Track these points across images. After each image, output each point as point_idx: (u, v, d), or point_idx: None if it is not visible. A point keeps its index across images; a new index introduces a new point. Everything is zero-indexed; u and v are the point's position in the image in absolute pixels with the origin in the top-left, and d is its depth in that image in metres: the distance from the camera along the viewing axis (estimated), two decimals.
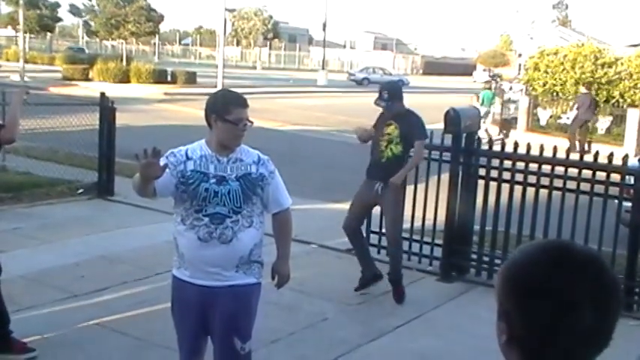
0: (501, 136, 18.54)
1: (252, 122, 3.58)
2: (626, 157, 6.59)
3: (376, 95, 6.40)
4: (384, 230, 6.98)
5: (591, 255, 1.32)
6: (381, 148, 6.33)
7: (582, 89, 19.66)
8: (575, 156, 7.04)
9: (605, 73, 20.63)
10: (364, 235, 6.93)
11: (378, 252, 7.36)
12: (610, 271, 1.30)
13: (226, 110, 3.50)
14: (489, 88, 21.74)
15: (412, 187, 7.37)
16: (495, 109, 21.70)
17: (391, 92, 6.26)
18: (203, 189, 3.48)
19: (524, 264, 1.31)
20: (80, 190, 9.92)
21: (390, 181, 6.20)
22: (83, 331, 5.30)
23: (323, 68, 49.15)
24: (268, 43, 77.79)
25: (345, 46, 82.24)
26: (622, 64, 20.93)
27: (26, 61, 32.97)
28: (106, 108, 10.02)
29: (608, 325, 1.27)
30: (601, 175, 6.50)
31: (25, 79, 29.98)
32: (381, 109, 6.46)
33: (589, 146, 17.59)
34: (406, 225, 7.15)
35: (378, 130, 6.39)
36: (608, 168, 6.50)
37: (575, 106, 19.12)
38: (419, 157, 6.41)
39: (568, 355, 1.26)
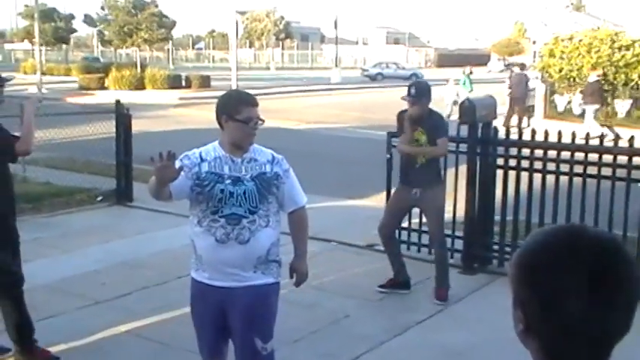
0: (525, 124, 18.63)
1: (263, 121, 3.56)
2: None
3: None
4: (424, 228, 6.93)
5: (605, 237, 1.27)
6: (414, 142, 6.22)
7: (516, 69, 22.05)
8: (595, 141, 6.93)
9: (623, 56, 20.36)
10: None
11: (408, 248, 7.32)
12: (626, 252, 1.26)
13: (236, 110, 3.48)
14: (466, 73, 23.36)
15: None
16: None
17: (419, 89, 6.17)
18: (219, 190, 3.47)
19: (535, 250, 1.27)
20: (99, 198, 9.96)
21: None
22: (106, 337, 5.31)
23: (336, 65, 49.09)
24: (281, 43, 77.85)
25: (357, 43, 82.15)
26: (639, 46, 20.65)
27: (43, 73, 33.22)
28: (122, 115, 10.06)
29: (627, 307, 1.22)
30: (623, 159, 6.40)
31: (43, 90, 30.23)
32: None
33: (528, 121, 19.61)
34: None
35: (405, 134, 6.30)
36: (630, 151, 6.40)
37: (508, 84, 20.87)
38: (440, 150, 6.30)
39: (588, 341, 1.22)
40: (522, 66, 22.60)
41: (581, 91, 19.31)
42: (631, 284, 1.23)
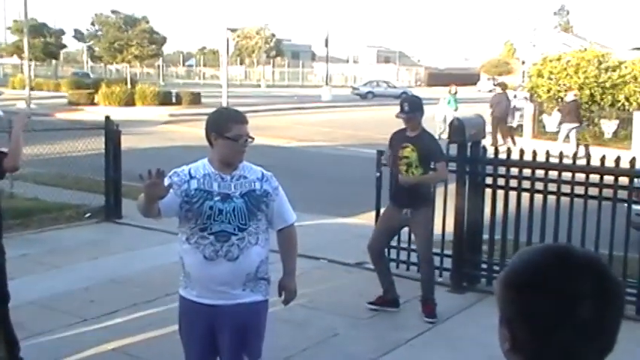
0: (509, 143, 18.70)
1: (252, 138, 3.58)
2: (633, 160, 6.55)
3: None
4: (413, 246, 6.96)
5: (591, 256, 1.30)
6: (402, 173, 6.24)
7: (498, 89, 22.50)
8: (581, 161, 7.01)
9: (610, 77, 20.58)
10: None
11: (397, 266, 7.34)
12: (610, 271, 1.29)
13: (226, 127, 3.49)
14: (452, 93, 23.67)
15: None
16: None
17: (412, 103, 6.21)
18: (208, 207, 3.47)
19: (522, 269, 1.29)
20: (88, 214, 9.93)
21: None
22: (94, 355, 5.28)
23: (327, 84, 49.29)
24: (271, 60, 78.11)
25: (348, 61, 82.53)
26: (626, 67, 20.88)
27: (32, 89, 33.02)
28: (111, 131, 10.06)
29: (611, 326, 1.25)
30: (609, 179, 6.46)
31: (32, 106, 30.05)
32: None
33: (512, 140, 19.51)
34: None
35: (394, 152, 6.33)
36: (616, 171, 6.45)
37: (489, 104, 21.28)
38: (442, 175, 6.38)
39: (574, 359, 1.23)
40: (503, 86, 23.00)
41: (558, 110, 19.80)
42: (616, 303, 1.25)
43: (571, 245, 1.37)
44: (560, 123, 19.19)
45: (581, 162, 7.01)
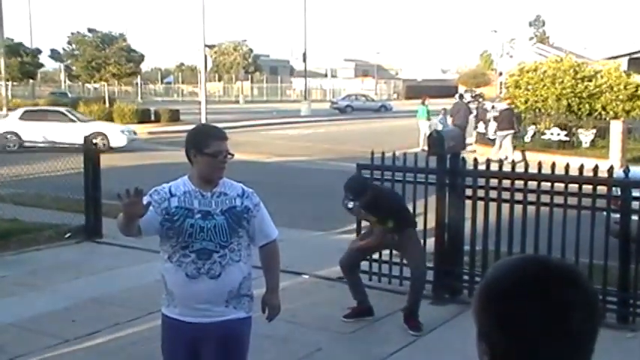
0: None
1: (232, 155, 3.58)
2: (611, 169, 6.62)
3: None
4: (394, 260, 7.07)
5: (567, 267, 1.31)
6: (381, 227, 6.40)
7: (456, 99, 24.57)
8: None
9: (586, 87, 20.83)
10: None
11: (379, 280, 7.39)
12: (587, 282, 1.30)
13: (205, 144, 3.50)
14: (425, 104, 24.34)
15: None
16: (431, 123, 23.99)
17: (354, 190, 6.25)
18: (188, 225, 3.47)
19: (498, 281, 1.29)
20: (68, 234, 9.84)
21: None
22: None
23: (306, 98, 49.44)
24: (250, 76, 78.16)
25: (326, 75, 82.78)
26: (602, 77, 21.15)
27: (9, 109, 32.89)
28: (90, 150, 10.01)
29: (593, 335, 1.26)
30: (588, 188, 6.52)
31: None
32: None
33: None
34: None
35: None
36: (594, 180, 6.52)
37: (450, 114, 22.59)
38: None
39: None
40: (461, 96, 25.40)
41: (494, 119, 20.90)
42: (593, 314, 1.27)
43: (547, 256, 1.39)
44: (495, 131, 20.45)
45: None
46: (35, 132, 22.27)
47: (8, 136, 22.99)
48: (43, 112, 25.50)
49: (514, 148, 19.56)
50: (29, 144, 22.18)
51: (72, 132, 21.49)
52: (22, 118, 23.58)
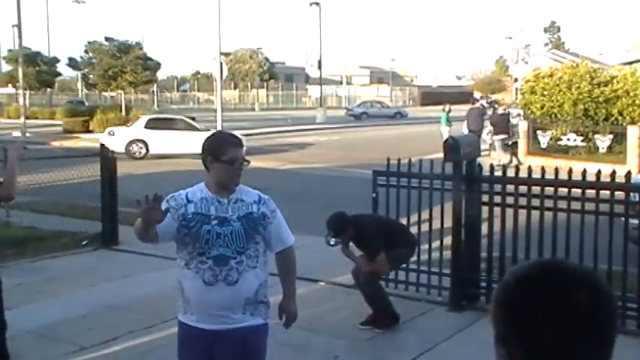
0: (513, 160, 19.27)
1: (248, 162, 3.59)
2: (628, 174, 6.56)
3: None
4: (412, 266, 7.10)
5: (583, 272, 1.29)
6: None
7: (478, 103, 25.13)
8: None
9: (602, 92, 20.68)
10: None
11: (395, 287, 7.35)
12: (605, 287, 1.28)
13: (221, 151, 3.50)
14: (446, 111, 24.88)
15: (416, 217, 7.35)
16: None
17: (335, 227, 6.35)
18: (205, 231, 3.47)
19: (514, 286, 1.28)
20: (85, 242, 9.89)
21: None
22: None
23: (321, 105, 49.48)
24: (265, 84, 78.35)
25: (341, 82, 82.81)
26: (618, 82, 20.99)
27: (27, 117, 33.23)
28: (107, 158, 10.07)
29: (606, 341, 1.24)
30: (606, 193, 6.46)
31: (27, 134, 30.20)
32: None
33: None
34: (414, 257, 7.12)
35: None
36: (612, 186, 6.46)
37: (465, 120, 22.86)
38: (380, 267, 6.46)
39: None
40: (474, 100, 26.55)
41: (491, 124, 21.65)
42: (610, 319, 1.25)
43: (563, 260, 1.37)
44: (493, 135, 21.13)
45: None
46: (161, 140, 23.05)
47: (136, 144, 23.25)
48: (166, 120, 26.01)
49: (505, 151, 20.47)
50: (156, 152, 22.85)
51: (195, 140, 22.09)
52: (147, 126, 23.91)
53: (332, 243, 6.46)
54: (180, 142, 22.45)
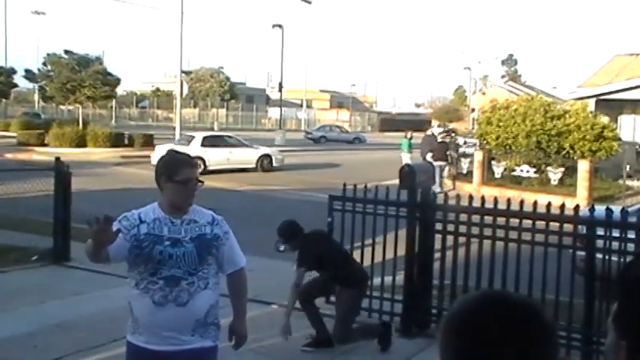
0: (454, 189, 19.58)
1: (202, 182, 3.59)
2: (577, 207, 6.73)
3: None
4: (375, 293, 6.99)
5: (526, 303, 1.34)
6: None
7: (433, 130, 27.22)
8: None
9: (555, 125, 21.18)
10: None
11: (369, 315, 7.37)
12: (542, 317, 1.32)
13: (174, 171, 3.50)
14: (408, 137, 25.55)
15: (370, 243, 7.41)
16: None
17: (284, 236, 6.55)
18: (158, 252, 3.45)
19: (460, 316, 1.32)
20: (35, 257, 9.70)
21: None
22: None
23: (280, 127, 49.50)
24: (225, 103, 78.17)
25: (302, 105, 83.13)
26: (570, 116, 21.53)
27: None
28: (61, 172, 9.92)
29: None
30: (555, 225, 6.61)
31: None
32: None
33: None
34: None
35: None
36: (561, 218, 6.62)
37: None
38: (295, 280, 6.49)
39: None
40: (452, 131, 28.82)
41: (430, 150, 22.41)
42: (550, 350, 1.30)
43: (507, 292, 1.41)
44: (434, 161, 21.75)
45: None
46: (218, 157, 24.59)
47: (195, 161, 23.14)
48: (218, 137, 27.90)
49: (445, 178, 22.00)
50: (213, 167, 23.76)
51: (247, 155, 25.10)
52: (203, 144, 24.87)
53: (281, 249, 6.60)
54: (233, 158, 24.61)
